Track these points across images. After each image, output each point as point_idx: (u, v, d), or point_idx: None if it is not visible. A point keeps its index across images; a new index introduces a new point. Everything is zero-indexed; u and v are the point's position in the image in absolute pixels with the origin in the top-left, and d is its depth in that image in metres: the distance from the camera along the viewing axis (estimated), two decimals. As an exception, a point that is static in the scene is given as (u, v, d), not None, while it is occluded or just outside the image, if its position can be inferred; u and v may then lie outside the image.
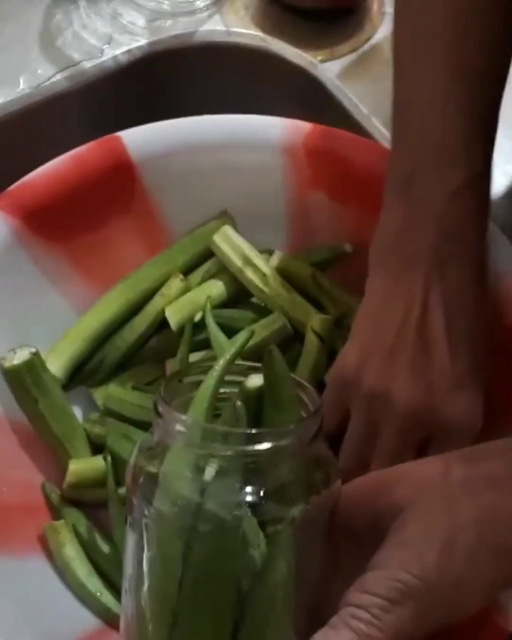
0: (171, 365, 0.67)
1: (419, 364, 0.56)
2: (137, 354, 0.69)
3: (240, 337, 0.52)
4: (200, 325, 0.66)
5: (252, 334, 0.52)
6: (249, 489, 0.44)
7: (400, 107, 0.59)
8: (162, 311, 0.67)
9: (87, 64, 0.80)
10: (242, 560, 0.44)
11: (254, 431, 0.45)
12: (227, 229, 0.68)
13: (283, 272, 0.67)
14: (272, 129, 0.68)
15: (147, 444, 0.47)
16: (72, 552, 0.62)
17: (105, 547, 0.63)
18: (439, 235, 0.56)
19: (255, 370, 0.49)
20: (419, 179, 0.57)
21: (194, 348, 0.66)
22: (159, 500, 0.45)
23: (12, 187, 0.65)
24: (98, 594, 0.61)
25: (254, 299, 0.68)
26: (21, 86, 0.79)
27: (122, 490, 0.63)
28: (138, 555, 0.46)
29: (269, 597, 0.45)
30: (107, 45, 0.81)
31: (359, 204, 0.67)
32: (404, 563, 0.43)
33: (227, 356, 0.49)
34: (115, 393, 0.67)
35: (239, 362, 0.50)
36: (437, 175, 0.56)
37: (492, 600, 0.45)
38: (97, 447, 0.66)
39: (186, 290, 0.68)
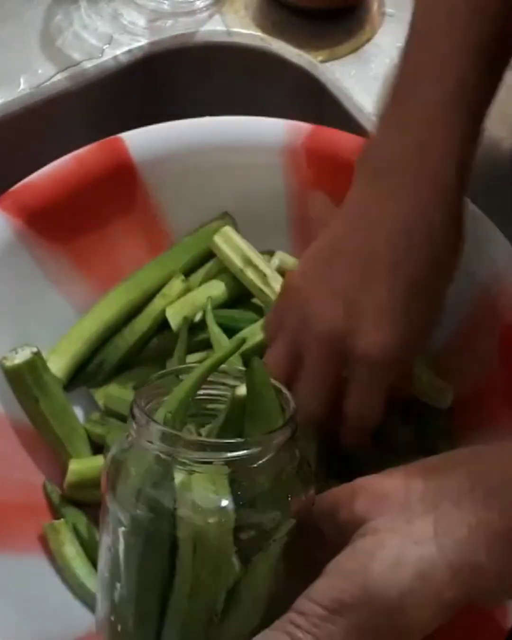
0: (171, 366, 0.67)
1: (353, 292, 0.55)
2: (138, 355, 0.69)
3: (231, 343, 0.55)
4: (201, 326, 0.67)
5: (242, 342, 0.53)
6: (216, 496, 0.44)
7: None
8: (163, 312, 0.67)
9: (88, 64, 0.80)
10: (220, 565, 0.44)
11: (214, 441, 0.46)
12: (228, 230, 0.68)
13: (284, 273, 0.67)
14: (273, 130, 0.68)
15: (122, 445, 0.47)
16: (72, 551, 0.62)
17: (105, 547, 0.63)
18: (416, 151, 0.55)
19: (239, 372, 0.50)
20: (411, 95, 0.56)
21: (195, 348, 0.66)
22: (132, 504, 0.45)
23: (15, 187, 0.66)
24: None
25: (255, 300, 0.69)
26: (21, 86, 0.79)
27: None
28: (115, 558, 0.46)
29: (244, 605, 0.45)
30: (107, 45, 0.81)
31: (359, 205, 0.67)
32: (349, 573, 0.42)
33: (209, 361, 0.49)
34: (116, 393, 0.67)
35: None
36: (430, 94, 0.55)
37: (446, 619, 0.43)
38: (97, 447, 0.67)
39: (187, 290, 0.68)
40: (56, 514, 0.65)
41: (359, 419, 0.58)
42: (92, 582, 0.62)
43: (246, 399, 0.47)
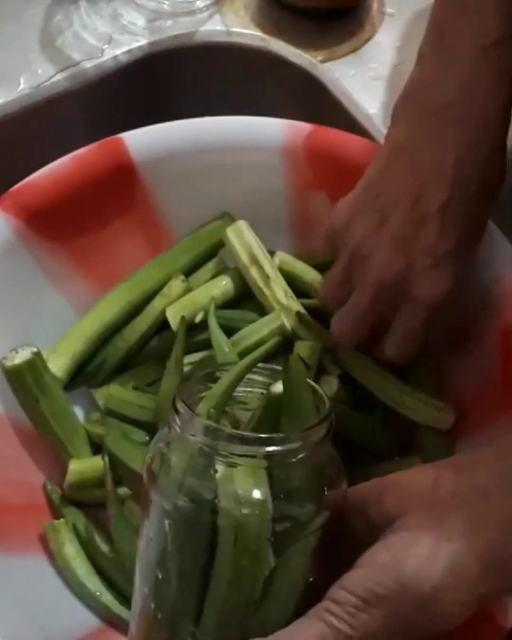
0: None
1: (406, 237, 0.57)
2: (138, 355, 0.69)
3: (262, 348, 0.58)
4: (201, 326, 0.67)
5: (278, 343, 0.58)
6: (255, 488, 0.45)
7: None
8: (163, 312, 0.67)
9: (88, 64, 0.80)
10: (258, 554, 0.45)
11: (256, 435, 0.46)
12: (242, 224, 0.68)
13: (285, 274, 0.68)
14: (273, 130, 0.68)
15: (163, 438, 0.48)
16: (72, 551, 0.62)
17: (104, 547, 0.63)
18: (462, 90, 0.55)
19: (271, 372, 0.52)
20: (452, 30, 0.56)
21: (195, 348, 0.66)
22: (174, 495, 0.46)
23: (15, 187, 0.66)
24: (97, 593, 0.62)
25: (255, 299, 0.69)
26: (21, 86, 0.79)
27: (121, 490, 0.63)
28: (158, 547, 0.47)
29: (280, 593, 0.46)
30: (107, 45, 0.81)
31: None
32: (384, 566, 0.44)
33: (247, 360, 0.51)
34: (117, 393, 0.67)
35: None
36: (471, 29, 0.55)
37: (475, 611, 0.45)
38: (97, 447, 0.66)
39: (187, 290, 0.68)
40: (56, 514, 0.65)
41: (399, 353, 0.62)
42: (93, 582, 0.62)
43: (283, 396, 0.48)
